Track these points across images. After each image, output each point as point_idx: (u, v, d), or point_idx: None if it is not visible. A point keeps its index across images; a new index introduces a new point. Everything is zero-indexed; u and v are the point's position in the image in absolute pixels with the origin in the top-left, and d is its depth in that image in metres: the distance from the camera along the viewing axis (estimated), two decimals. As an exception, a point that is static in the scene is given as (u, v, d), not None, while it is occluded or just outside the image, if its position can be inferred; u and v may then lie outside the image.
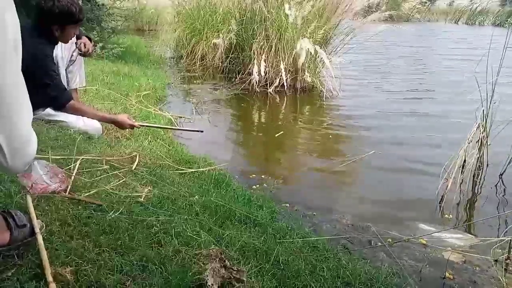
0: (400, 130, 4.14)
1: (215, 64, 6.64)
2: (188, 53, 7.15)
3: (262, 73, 5.35)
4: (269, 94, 5.36)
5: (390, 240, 2.16)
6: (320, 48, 5.25)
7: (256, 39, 5.67)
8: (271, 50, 5.54)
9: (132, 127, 2.66)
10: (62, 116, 2.72)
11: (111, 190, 1.91)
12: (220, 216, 1.96)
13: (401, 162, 3.36)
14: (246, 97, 5.30)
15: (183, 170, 2.58)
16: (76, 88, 3.16)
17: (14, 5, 0.94)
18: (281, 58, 5.48)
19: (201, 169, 2.65)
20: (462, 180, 2.79)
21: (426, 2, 19.94)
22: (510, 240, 2.01)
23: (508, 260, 2.00)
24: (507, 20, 17.10)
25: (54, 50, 2.64)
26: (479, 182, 2.92)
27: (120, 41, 6.97)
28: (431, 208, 2.62)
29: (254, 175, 2.98)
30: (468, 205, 2.73)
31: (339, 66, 5.60)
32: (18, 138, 0.99)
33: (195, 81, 6.10)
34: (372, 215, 2.46)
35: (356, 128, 4.21)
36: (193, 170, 2.61)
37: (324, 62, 5.29)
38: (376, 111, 4.82)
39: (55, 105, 2.61)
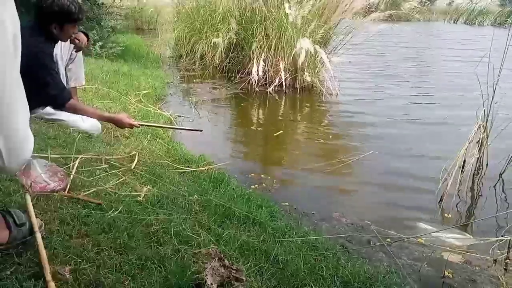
0: (400, 130, 4.14)
1: (214, 63, 6.63)
2: (187, 52, 7.14)
3: (261, 73, 5.35)
4: (268, 93, 5.36)
5: (389, 240, 2.16)
6: (320, 47, 5.25)
7: (256, 38, 5.67)
8: (270, 49, 5.54)
9: (131, 126, 2.65)
10: (61, 115, 2.72)
11: (110, 189, 1.91)
12: (219, 215, 1.96)
13: (400, 161, 3.36)
14: (246, 97, 5.29)
15: (182, 169, 2.58)
16: (76, 87, 3.16)
17: (13, 2, 0.93)
18: (280, 57, 5.48)
19: (201, 168, 2.65)
20: (462, 180, 2.78)
21: (426, 2, 19.94)
22: (509, 240, 2.01)
23: (507, 260, 2.01)
24: (507, 20, 17.12)
25: (54, 49, 2.64)
26: (479, 182, 2.92)
27: (120, 40, 6.97)
28: (430, 208, 2.62)
29: (253, 175, 2.98)
30: (467, 205, 2.73)
31: (339, 66, 5.60)
32: (15, 137, 0.99)
33: (194, 80, 6.10)
34: (371, 215, 2.46)
35: (356, 128, 4.20)
36: (192, 169, 2.61)
37: (323, 61, 5.29)
38: (375, 110, 4.81)
39: (55, 104, 2.60)
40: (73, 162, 2.05)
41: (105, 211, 1.67)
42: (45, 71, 2.44)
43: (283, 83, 5.31)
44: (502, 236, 2.10)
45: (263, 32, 5.64)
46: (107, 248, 1.44)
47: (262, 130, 4.20)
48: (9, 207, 1.43)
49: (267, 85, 5.46)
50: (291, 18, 5.27)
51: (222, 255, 1.44)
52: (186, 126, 3.91)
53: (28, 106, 1.02)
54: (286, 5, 5.24)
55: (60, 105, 2.59)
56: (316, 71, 5.63)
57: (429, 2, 20.69)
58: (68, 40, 2.84)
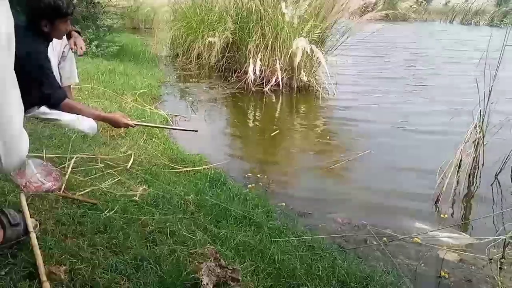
0: (396, 130, 4.15)
1: (211, 63, 6.61)
2: (184, 51, 7.13)
3: (258, 72, 5.34)
4: (265, 93, 5.35)
5: (386, 239, 2.16)
6: (316, 47, 5.24)
7: (252, 37, 5.66)
8: (267, 49, 5.53)
9: (127, 126, 2.64)
10: (57, 115, 2.70)
11: (106, 189, 1.90)
12: (216, 215, 1.96)
13: (396, 161, 3.37)
14: (242, 96, 5.29)
15: (178, 169, 2.57)
16: (70, 86, 3.14)
17: (7, 1, 0.93)
18: (277, 57, 5.48)
19: (197, 168, 2.65)
20: (458, 179, 2.79)
21: (422, 2, 19.98)
22: (505, 239, 2.02)
23: (503, 259, 2.01)
24: (503, 20, 17.18)
25: (47, 48, 2.62)
26: (475, 182, 2.93)
27: (116, 40, 6.94)
28: (427, 207, 2.63)
29: (249, 174, 2.98)
30: (463, 204, 2.74)
31: (335, 65, 5.60)
32: (10, 136, 0.98)
33: (191, 80, 6.08)
34: (368, 214, 2.46)
35: (352, 128, 4.21)
36: (188, 169, 2.60)
37: (320, 61, 5.30)
38: (372, 110, 4.82)
39: (50, 103, 2.59)
40: (69, 161, 2.04)
41: (100, 211, 1.66)
42: (40, 70, 2.42)
43: (280, 83, 5.31)
44: (497, 235, 2.11)
45: (259, 31, 5.63)
46: (102, 248, 1.43)
47: (258, 130, 4.20)
48: (4, 207, 1.42)
49: (264, 85, 5.46)
50: (288, 17, 5.27)
51: (218, 255, 1.44)
52: (182, 125, 3.89)
53: (22, 106, 1.02)
54: (283, 4, 5.24)
55: (55, 104, 2.57)
56: (312, 70, 5.63)
57: (425, 2, 20.71)
58: (62, 37, 2.82)
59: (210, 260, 1.40)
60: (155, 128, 3.26)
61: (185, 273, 1.38)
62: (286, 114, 4.77)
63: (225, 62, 6.47)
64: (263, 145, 3.79)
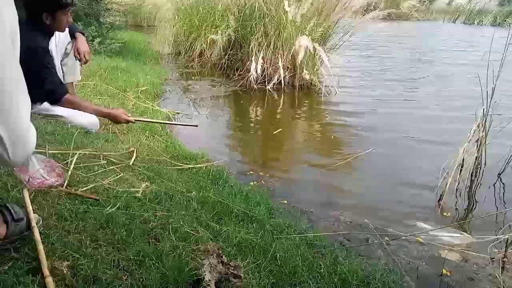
0: (398, 128, 4.14)
1: (213, 61, 6.61)
2: (186, 49, 7.13)
3: (260, 70, 5.34)
4: (267, 91, 5.35)
5: (388, 238, 2.16)
6: (319, 45, 5.24)
7: (255, 35, 5.65)
8: (269, 47, 5.53)
9: (127, 122, 2.65)
10: (59, 111, 2.71)
11: (108, 185, 1.90)
12: (218, 212, 1.95)
13: (399, 160, 3.37)
14: (244, 94, 5.29)
15: (180, 166, 2.57)
16: (73, 82, 3.14)
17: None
18: (279, 55, 5.47)
19: (199, 165, 2.65)
20: (461, 179, 2.78)
21: (425, 1, 19.94)
22: (507, 238, 2.02)
23: (505, 258, 2.01)
24: (506, 20, 17.13)
25: (49, 44, 2.62)
26: (478, 181, 2.92)
27: (118, 37, 6.94)
28: (429, 206, 2.62)
29: (252, 172, 2.98)
30: (466, 203, 2.73)
31: (338, 64, 5.60)
32: (18, 130, 0.99)
33: (193, 78, 6.09)
34: (370, 213, 2.46)
35: (354, 126, 4.20)
36: (190, 166, 2.60)
37: (322, 59, 5.29)
38: (374, 109, 4.82)
39: (51, 99, 2.59)
40: (71, 158, 2.04)
41: (103, 207, 1.66)
42: (42, 65, 2.42)
43: (282, 81, 5.31)
44: (500, 234, 2.11)
45: (262, 29, 5.63)
46: (105, 244, 1.43)
47: (260, 128, 4.20)
48: (7, 202, 1.43)
49: (266, 83, 5.46)
50: (290, 15, 5.26)
51: (220, 252, 1.44)
52: (183, 122, 3.90)
53: (30, 100, 1.02)
54: (285, 2, 5.23)
55: (56, 100, 2.58)
56: (315, 69, 5.62)
57: (428, 1, 20.67)
58: (64, 34, 2.83)
59: (212, 257, 1.40)
60: (157, 125, 3.26)
61: (187, 269, 1.38)
62: (288, 112, 4.77)
63: (228, 60, 6.47)
64: (265, 143, 3.78)
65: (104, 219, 1.58)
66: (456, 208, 2.65)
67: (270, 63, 5.55)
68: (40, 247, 1.27)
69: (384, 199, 2.71)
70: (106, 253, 1.38)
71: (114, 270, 1.32)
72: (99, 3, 6.40)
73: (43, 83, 2.43)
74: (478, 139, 2.83)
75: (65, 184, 1.78)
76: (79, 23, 5.28)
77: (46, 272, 1.19)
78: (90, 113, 2.70)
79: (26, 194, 1.49)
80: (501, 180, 2.95)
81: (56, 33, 2.76)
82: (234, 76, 5.92)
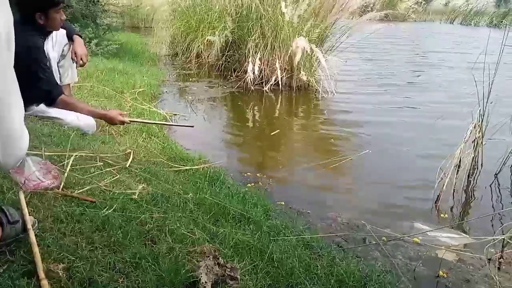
0: (395, 129, 4.14)
1: (210, 62, 6.61)
2: (183, 50, 7.12)
3: (257, 71, 5.34)
4: (264, 92, 5.35)
5: (385, 239, 2.16)
6: (316, 47, 5.24)
7: (252, 37, 5.66)
8: (266, 48, 5.53)
9: (122, 123, 2.64)
10: (56, 113, 2.70)
11: (104, 187, 1.90)
12: (215, 213, 1.95)
13: (396, 161, 3.37)
14: (242, 95, 5.29)
15: (177, 167, 2.57)
16: (69, 84, 3.14)
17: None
18: (277, 56, 5.47)
19: (196, 167, 2.64)
20: (458, 179, 2.79)
21: (422, 2, 19.99)
22: (503, 239, 2.02)
23: (501, 259, 2.01)
24: (502, 21, 17.20)
25: (45, 45, 2.62)
26: (474, 181, 2.93)
27: (115, 38, 6.93)
28: (426, 207, 2.63)
29: (249, 173, 2.97)
30: (463, 204, 2.74)
31: (335, 65, 5.60)
32: (10, 133, 0.98)
33: (190, 79, 6.08)
34: (367, 214, 2.46)
35: (351, 127, 4.20)
36: (187, 167, 2.60)
37: (319, 61, 5.30)
38: (371, 110, 4.82)
39: (47, 100, 2.58)
40: (68, 159, 2.04)
41: (99, 209, 1.66)
42: (38, 66, 2.42)
43: (279, 82, 5.31)
44: (496, 235, 2.11)
45: (259, 30, 5.63)
46: (101, 246, 1.43)
47: (258, 129, 4.20)
48: (2, 204, 1.42)
49: (263, 84, 5.46)
50: (287, 16, 5.27)
51: (216, 254, 1.43)
52: (179, 123, 3.90)
53: (23, 103, 1.02)
54: (282, 4, 5.23)
55: (52, 101, 2.57)
56: (312, 70, 5.63)
57: (425, 2, 20.73)
58: (61, 36, 2.82)
59: (209, 259, 1.39)
60: (154, 127, 3.26)
61: (183, 271, 1.38)
62: (285, 113, 4.77)
63: (225, 61, 6.46)
64: (263, 144, 3.78)
65: (100, 221, 1.57)
66: (453, 209, 2.65)
67: (267, 64, 5.55)
68: (36, 249, 1.26)
69: (381, 200, 2.71)
70: (102, 255, 1.38)
71: (110, 272, 1.32)
72: (96, 4, 6.39)
73: (38, 83, 2.42)
74: (474, 140, 2.84)
75: (61, 186, 1.78)
76: (76, 24, 5.28)
77: (42, 274, 1.18)
78: (86, 115, 2.70)
79: (21, 196, 1.49)
80: (498, 180, 2.96)
81: (53, 34, 2.76)
82: (231, 77, 5.92)
